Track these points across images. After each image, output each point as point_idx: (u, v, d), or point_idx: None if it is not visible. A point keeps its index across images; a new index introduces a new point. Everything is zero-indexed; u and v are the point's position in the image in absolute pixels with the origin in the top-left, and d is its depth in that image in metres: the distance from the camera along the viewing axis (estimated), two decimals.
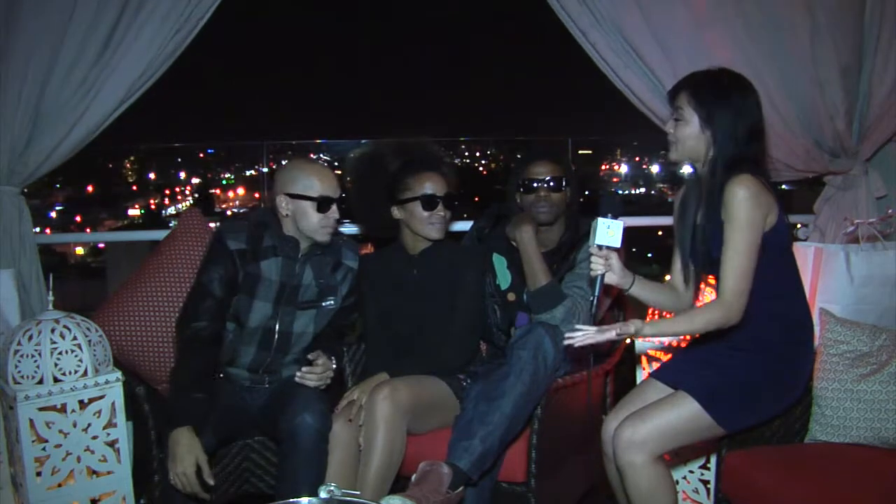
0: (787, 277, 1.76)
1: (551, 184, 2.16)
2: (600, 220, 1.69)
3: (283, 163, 2.13)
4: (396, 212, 2.14)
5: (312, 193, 1.95)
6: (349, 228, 2.58)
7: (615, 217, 1.69)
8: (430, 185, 2.08)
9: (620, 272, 1.74)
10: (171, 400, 1.91)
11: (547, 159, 2.21)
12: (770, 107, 2.42)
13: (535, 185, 2.18)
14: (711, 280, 1.87)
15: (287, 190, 1.97)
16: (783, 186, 2.85)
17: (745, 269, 1.63)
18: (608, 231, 1.68)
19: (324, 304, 2.06)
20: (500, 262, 2.27)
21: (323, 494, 1.41)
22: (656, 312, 2.24)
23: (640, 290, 1.82)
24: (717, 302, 1.66)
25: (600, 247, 1.71)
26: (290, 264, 2.01)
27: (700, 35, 2.42)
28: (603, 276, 1.71)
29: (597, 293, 1.70)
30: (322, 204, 1.95)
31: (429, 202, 2.07)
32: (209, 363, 1.91)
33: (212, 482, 1.75)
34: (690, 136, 1.73)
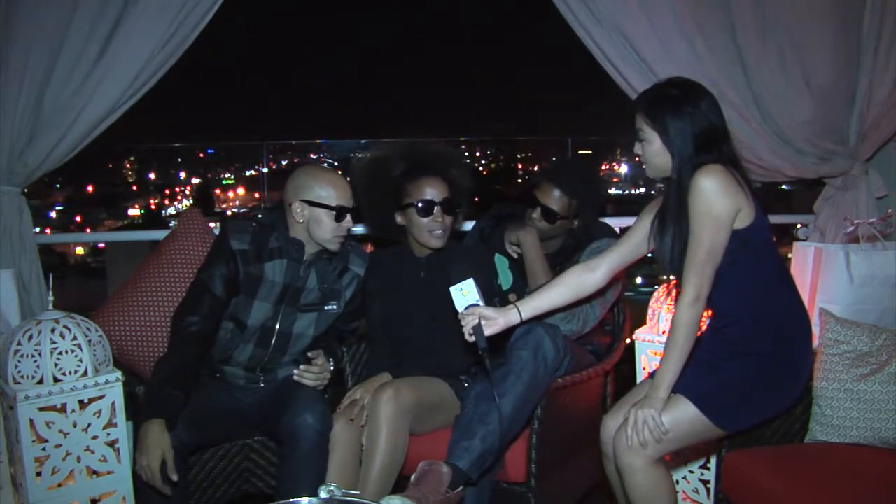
0: (770, 276, 1.72)
1: (548, 214, 2.15)
2: (451, 289, 1.79)
3: (297, 166, 2.10)
4: (399, 217, 2.14)
5: (331, 203, 1.95)
6: (356, 228, 2.57)
7: (462, 280, 1.79)
8: (429, 191, 2.07)
9: (496, 314, 1.79)
10: (146, 391, 1.92)
11: (556, 186, 2.15)
12: (759, 111, 2.44)
13: (536, 205, 2.17)
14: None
15: (304, 196, 1.96)
16: (783, 186, 2.85)
17: (704, 263, 1.62)
18: (462, 293, 1.79)
19: (326, 307, 2.05)
20: (501, 262, 2.27)
21: (323, 494, 1.41)
22: (655, 314, 2.24)
23: (534, 308, 1.85)
24: (679, 302, 1.66)
25: (465, 308, 1.79)
26: (295, 267, 2.00)
27: (698, 35, 2.42)
28: (480, 328, 1.75)
29: (483, 345, 1.75)
30: (340, 214, 1.95)
31: (424, 208, 2.06)
32: (192, 361, 1.90)
33: (175, 478, 1.73)
34: (657, 154, 1.72)
